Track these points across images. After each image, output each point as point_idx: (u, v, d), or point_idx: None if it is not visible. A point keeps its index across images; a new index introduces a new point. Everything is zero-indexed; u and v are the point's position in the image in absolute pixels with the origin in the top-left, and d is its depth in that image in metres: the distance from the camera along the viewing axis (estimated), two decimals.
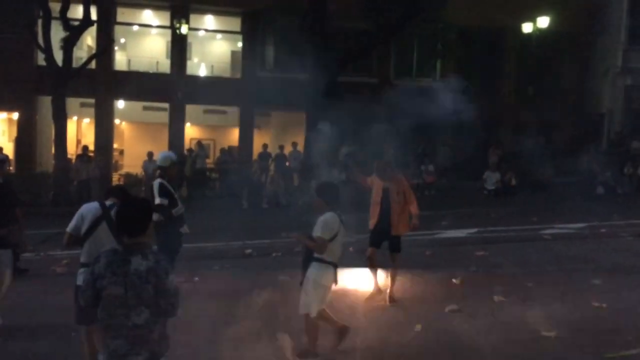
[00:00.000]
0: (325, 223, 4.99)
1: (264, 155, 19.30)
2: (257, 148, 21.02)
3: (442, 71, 21.56)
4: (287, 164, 18.94)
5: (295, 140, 19.77)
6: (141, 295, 3.07)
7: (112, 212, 4.44)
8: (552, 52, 21.11)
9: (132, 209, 3.27)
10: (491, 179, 18.61)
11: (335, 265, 5.15)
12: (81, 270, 4.60)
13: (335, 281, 5.19)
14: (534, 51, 20.58)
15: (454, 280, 8.02)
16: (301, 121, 20.82)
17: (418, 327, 6.20)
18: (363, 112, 17.10)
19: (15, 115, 19.49)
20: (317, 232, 4.98)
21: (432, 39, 19.45)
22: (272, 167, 18.93)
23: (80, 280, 4.43)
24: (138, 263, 3.08)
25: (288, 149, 19.41)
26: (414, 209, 7.11)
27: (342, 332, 5.39)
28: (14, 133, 19.75)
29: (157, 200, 6.65)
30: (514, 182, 18.76)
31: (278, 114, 22.32)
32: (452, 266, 8.86)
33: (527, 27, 20.69)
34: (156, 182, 6.92)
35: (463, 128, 17.88)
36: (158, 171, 7.13)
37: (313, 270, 5.07)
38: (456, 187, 18.95)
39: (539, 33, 20.47)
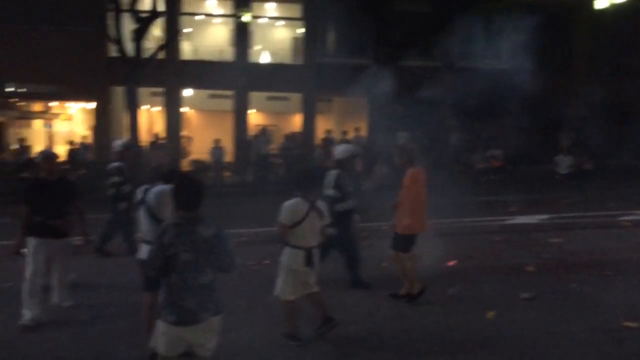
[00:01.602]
0: (285, 209, 5.20)
1: (327, 140, 19.38)
2: (319, 134, 21.13)
3: (509, 52, 20.83)
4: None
5: (357, 126, 19.72)
6: (207, 257, 3.62)
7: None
8: (630, 27, 19.96)
9: (191, 187, 3.75)
10: (564, 163, 17.91)
11: (307, 249, 5.21)
12: (144, 246, 4.98)
13: (308, 264, 5.26)
14: (610, 27, 19.53)
15: (527, 268, 7.82)
16: (363, 106, 20.73)
17: (490, 314, 6.10)
18: (426, 96, 16.86)
19: (91, 105, 20.43)
20: (279, 217, 5.22)
21: (498, 18, 18.81)
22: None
23: (143, 254, 4.76)
24: (203, 230, 3.63)
25: (351, 135, 19.41)
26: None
27: (326, 321, 5.50)
28: (91, 122, 20.73)
29: (329, 192, 6.59)
30: (588, 166, 17.97)
31: (340, 100, 22.29)
32: (524, 253, 8.64)
33: (601, 3, 19.63)
34: (333, 173, 6.71)
35: (532, 110, 17.32)
36: (330, 162, 6.99)
37: (283, 254, 5.33)
38: (525, 172, 18.38)
39: (613, 8, 19.38)
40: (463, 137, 19.96)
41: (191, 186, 3.76)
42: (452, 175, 16.13)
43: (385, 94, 15.59)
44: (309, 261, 5.26)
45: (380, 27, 16.70)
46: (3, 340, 5.61)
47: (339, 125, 20.77)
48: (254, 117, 22.76)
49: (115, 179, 8.67)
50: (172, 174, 5.25)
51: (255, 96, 21.53)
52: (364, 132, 19.91)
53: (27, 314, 5.89)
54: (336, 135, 19.78)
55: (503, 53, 21.22)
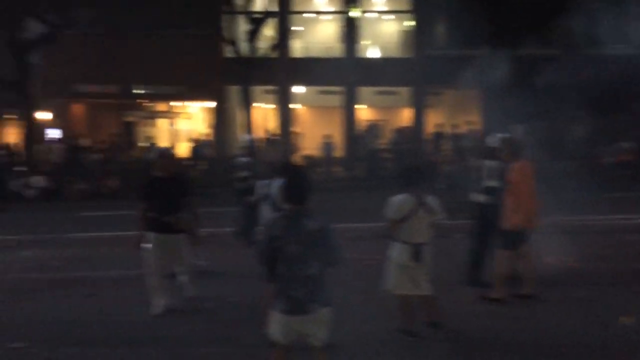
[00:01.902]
0: (390, 204, 5.24)
1: (438, 135, 18.98)
2: (429, 128, 20.74)
3: (638, 36, 19.08)
4: (462, 143, 18.42)
5: (470, 119, 19.11)
6: (313, 250, 3.71)
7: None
8: None
9: (300, 182, 3.91)
10: None
11: (414, 245, 5.18)
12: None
13: (416, 260, 5.20)
14: None
15: None
16: (476, 99, 20.03)
17: (624, 319, 5.66)
18: (545, 87, 15.92)
19: (211, 104, 21.61)
20: (385, 212, 5.25)
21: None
22: (446, 147, 18.56)
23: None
24: (310, 224, 3.73)
25: (463, 128, 18.85)
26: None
27: (434, 325, 5.42)
28: (211, 120, 21.94)
29: (490, 183, 6.48)
30: None
31: (451, 93, 21.70)
32: None
33: None
34: (489, 163, 6.52)
35: None
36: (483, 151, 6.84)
37: (391, 249, 5.38)
38: None
39: None
40: (589, 129, 18.62)
41: (299, 181, 3.90)
42: (577, 169, 15.11)
43: (500, 84, 14.94)
44: (417, 257, 5.22)
45: (495, 14, 15.97)
46: (136, 324, 6.10)
47: (450, 119, 20.25)
48: (363, 112, 22.81)
49: (243, 173, 8.99)
50: (285, 169, 5.44)
51: (364, 91, 21.58)
52: (477, 126, 19.23)
53: (157, 304, 6.20)
54: (447, 129, 19.30)
55: (632, 36, 19.51)
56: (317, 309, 3.75)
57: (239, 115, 20.67)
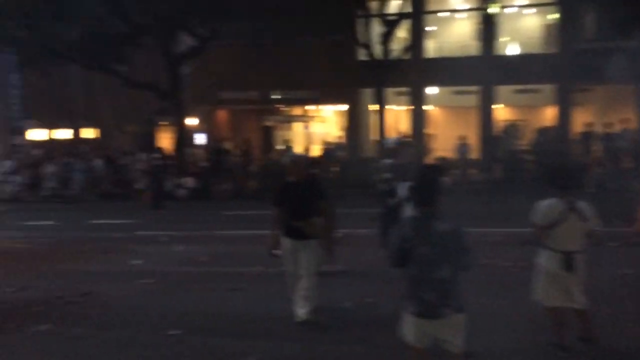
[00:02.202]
0: (537, 209, 4.97)
1: (587, 135, 17.53)
2: (576, 127, 19.23)
3: None
4: (615, 144, 16.85)
5: (625, 117, 17.40)
6: (444, 253, 3.64)
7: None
8: None
9: (429, 183, 3.86)
10: None
11: (565, 253, 4.83)
12: None
13: (567, 269, 4.80)
14: None
15: None
16: (630, 95, 18.24)
17: None
18: None
19: (343, 107, 21.96)
20: (532, 217, 4.99)
21: None
22: (596, 148, 17.08)
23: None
24: (440, 226, 3.66)
25: (616, 127, 17.22)
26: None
27: (585, 339, 5.01)
28: (342, 123, 22.31)
29: None
30: None
31: (601, 89, 19.95)
32: None
33: None
34: None
35: None
36: None
37: (539, 256, 5.08)
38: None
39: None
40: None
41: (428, 182, 3.87)
42: None
43: None
44: (568, 266, 4.84)
45: None
46: (278, 319, 6.32)
47: (601, 117, 18.60)
48: (501, 112, 21.76)
49: (388, 175, 9.01)
50: (416, 171, 5.34)
51: (502, 90, 20.58)
52: (633, 124, 17.48)
53: (298, 311, 6.07)
54: (597, 129, 17.75)
55: None
56: (450, 313, 3.67)
57: (371, 118, 20.77)
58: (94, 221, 14.25)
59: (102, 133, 26.88)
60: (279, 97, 22.19)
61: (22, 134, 24.79)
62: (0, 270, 8.72)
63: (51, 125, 26.37)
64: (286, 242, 6.08)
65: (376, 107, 19.15)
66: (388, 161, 9.05)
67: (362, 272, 8.13)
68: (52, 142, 25.62)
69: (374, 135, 20.23)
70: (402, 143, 9.98)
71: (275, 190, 6.29)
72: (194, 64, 21.42)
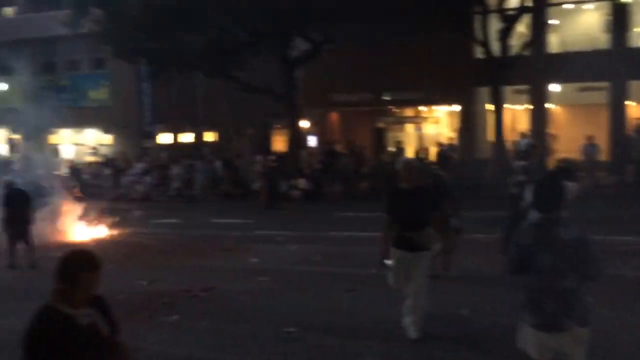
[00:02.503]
0: None
1: None
2: None
3: None
4: None
5: None
6: (569, 262, 3.41)
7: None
8: None
9: (551, 188, 3.63)
10: None
11: None
12: None
13: None
14: None
15: None
16: None
17: None
18: None
19: (457, 108, 21.33)
20: None
21: None
22: None
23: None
24: (564, 233, 3.43)
25: None
26: None
27: None
28: (456, 124, 21.67)
29: None
30: None
31: None
32: None
33: None
34: None
35: None
36: None
37: None
38: None
39: None
40: None
41: (550, 186, 3.64)
42: None
43: None
44: None
45: None
46: (389, 322, 6.23)
47: None
48: (634, 110, 19.97)
49: (520, 177, 8.64)
50: (545, 174, 5.05)
51: (634, 85, 18.89)
52: None
53: (407, 326, 5.78)
54: None
55: None
56: (574, 326, 3.41)
57: (487, 118, 19.99)
58: (215, 220, 15.04)
59: (222, 136, 28.37)
60: (391, 98, 22.02)
61: (152, 138, 26.83)
62: (133, 264, 9.45)
63: (176, 130, 28.30)
64: (396, 253, 5.70)
65: (493, 106, 18.36)
66: (521, 163, 8.61)
67: (479, 277, 7.82)
68: (177, 145, 27.47)
69: (490, 136, 19.42)
70: (535, 145, 9.44)
71: (386, 197, 5.95)
72: (307, 68, 21.91)
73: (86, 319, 2.77)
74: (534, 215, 4.97)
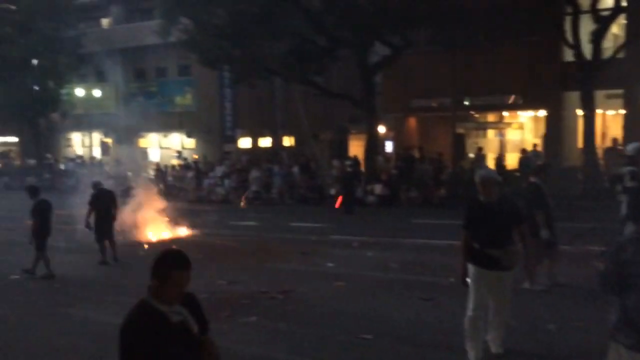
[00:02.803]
0: None
1: None
2: None
3: None
4: None
5: None
6: None
7: None
8: None
9: None
10: None
11: None
12: None
13: None
14: None
15: None
16: None
17: None
18: None
19: (542, 113, 20.42)
20: None
21: None
22: None
23: None
24: None
25: None
26: None
27: None
28: (541, 130, 20.75)
29: None
30: None
31: None
32: None
33: None
34: None
35: None
36: None
37: None
38: None
39: None
40: None
41: None
42: None
43: None
44: None
45: None
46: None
47: None
48: None
49: (629, 184, 8.16)
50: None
51: None
52: None
53: (470, 355, 5.36)
54: None
55: None
56: None
57: (575, 123, 18.99)
58: (292, 223, 15.23)
59: (299, 141, 28.78)
60: (473, 103, 21.43)
61: (233, 142, 27.65)
62: (214, 265, 9.73)
63: (256, 134, 29.02)
64: (476, 272, 5.24)
65: (583, 111, 17.42)
66: (629, 168, 8.08)
67: (569, 292, 7.41)
68: (256, 149, 28.15)
69: (580, 143, 18.43)
70: None
71: (464, 211, 5.46)
72: (386, 72, 21.77)
73: (177, 316, 2.85)
74: (630, 229, 4.65)
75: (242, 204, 19.00)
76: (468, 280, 5.32)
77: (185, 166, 24.38)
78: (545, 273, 7.73)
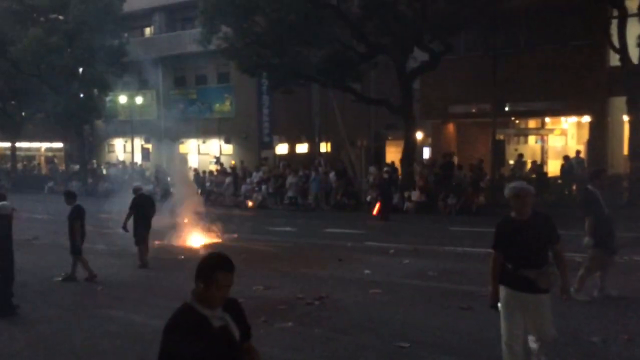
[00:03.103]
0: None
1: None
2: None
3: None
4: None
5: None
6: None
7: None
8: None
9: None
10: None
11: None
12: None
13: None
14: None
15: None
16: None
17: None
18: None
19: (586, 119, 19.87)
20: None
21: None
22: None
23: None
24: None
25: None
26: None
27: None
28: (584, 136, 20.18)
29: None
30: None
31: None
32: None
33: None
34: None
35: None
36: None
37: None
38: None
39: None
40: None
41: None
42: None
43: None
44: None
45: None
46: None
47: None
48: None
49: None
50: None
51: None
52: None
53: (532, 353, 4.93)
54: None
55: None
56: None
57: (621, 129, 18.41)
58: (328, 230, 15.22)
59: (336, 147, 28.78)
60: (513, 109, 21.01)
61: (270, 148, 27.87)
62: (250, 270, 9.79)
63: (293, 140, 29.17)
64: (509, 295, 4.80)
65: (628, 117, 16.89)
66: None
67: (616, 303, 7.15)
68: (293, 155, 28.29)
69: (625, 149, 17.86)
70: None
71: (495, 229, 4.98)
72: (425, 78, 21.58)
73: (219, 321, 2.88)
74: None
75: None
76: (499, 305, 4.88)
77: (223, 172, 24.70)
78: (595, 283, 7.51)
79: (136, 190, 11.29)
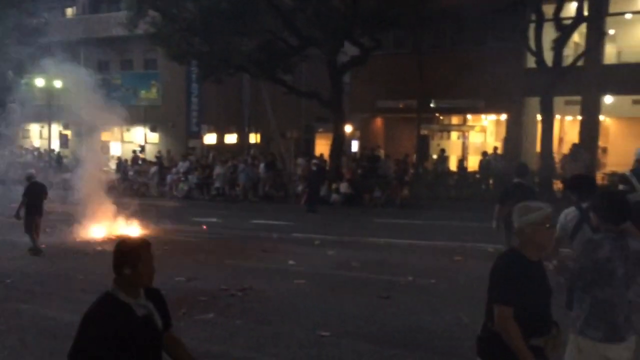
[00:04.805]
0: None
1: None
2: None
3: None
4: None
5: None
6: (636, 272, 3.49)
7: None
8: None
9: (622, 200, 3.70)
10: None
11: None
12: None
13: None
14: None
15: None
16: None
17: None
18: None
19: (503, 117, 20.89)
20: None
21: None
22: None
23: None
24: (634, 244, 3.47)
25: None
26: None
27: None
28: (502, 133, 21.22)
29: None
30: None
31: None
32: None
33: None
34: None
35: None
36: None
37: None
38: None
39: None
40: None
41: (620, 199, 3.74)
42: None
43: None
44: None
45: None
46: (427, 331, 6.10)
47: None
48: None
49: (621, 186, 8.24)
50: (594, 186, 5.03)
51: None
52: None
53: None
54: None
55: None
56: (632, 336, 3.51)
57: (534, 128, 19.49)
58: (254, 221, 15.17)
59: (265, 138, 28.67)
60: (438, 105, 21.75)
61: (198, 137, 27.34)
62: (173, 262, 9.61)
63: (221, 130, 28.76)
64: None
65: (541, 116, 17.91)
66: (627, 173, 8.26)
67: None
68: (222, 145, 27.90)
69: (538, 146, 18.92)
70: None
71: (504, 269, 3.22)
72: (355, 73, 21.87)
73: (143, 309, 2.81)
74: (585, 230, 4.71)
75: None
76: None
77: (148, 161, 23.97)
78: None
79: (29, 178, 11.18)
